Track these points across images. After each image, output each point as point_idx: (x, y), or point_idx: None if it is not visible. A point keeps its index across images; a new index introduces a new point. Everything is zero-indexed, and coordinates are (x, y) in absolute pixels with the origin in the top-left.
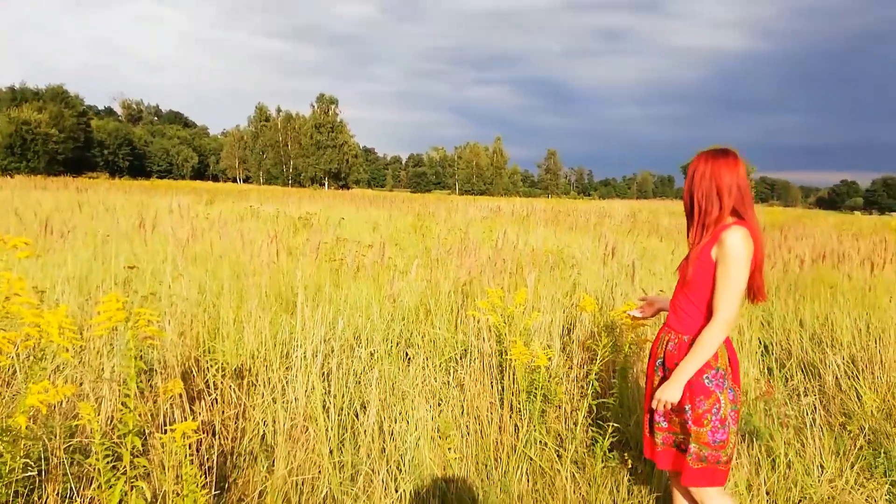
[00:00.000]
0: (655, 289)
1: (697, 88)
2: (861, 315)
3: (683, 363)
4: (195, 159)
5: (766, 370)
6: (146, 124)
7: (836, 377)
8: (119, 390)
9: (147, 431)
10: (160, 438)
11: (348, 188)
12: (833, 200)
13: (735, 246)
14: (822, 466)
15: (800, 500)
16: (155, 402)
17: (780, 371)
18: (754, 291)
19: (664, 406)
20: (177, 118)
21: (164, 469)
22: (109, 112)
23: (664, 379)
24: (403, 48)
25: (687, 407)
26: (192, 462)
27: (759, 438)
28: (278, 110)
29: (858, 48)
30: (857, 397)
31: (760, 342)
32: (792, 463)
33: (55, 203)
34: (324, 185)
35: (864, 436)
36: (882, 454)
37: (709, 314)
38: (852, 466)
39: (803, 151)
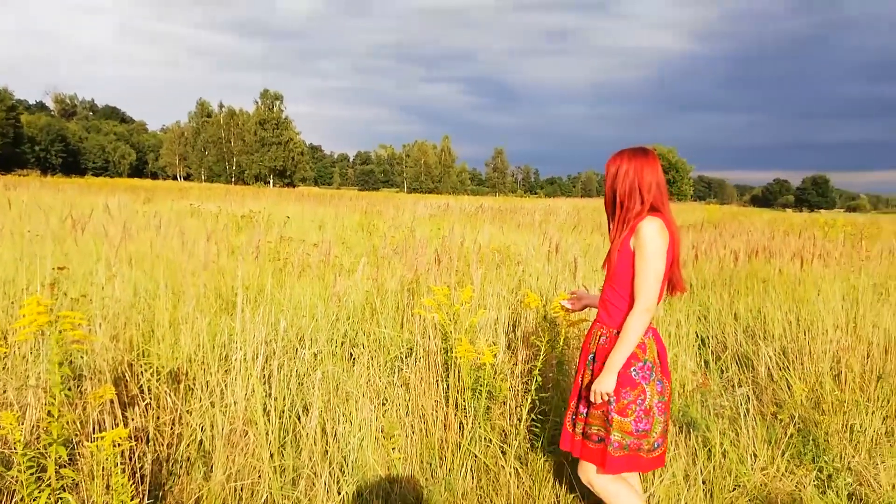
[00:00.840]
0: (598, 283)
1: (640, 89)
2: (791, 308)
3: (612, 353)
4: (133, 156)
5: (702, 363)
6: (81, 119)
7: (769, 368)
8: (45, 398)
9: (76, 440)
10: (89, 447)
11: (294, 186)
12: (766, 198)
13: (650, 234)
14: (755, 455)
15: (734, 489)
16: (84, 408)
17: (715, 363)
18: (673, 283)
19: (602, 397)
20: (113, 113)
21: (93, 479)
22: (41, 107)
23: (594, 374)
24: (350, 44)
25: (612, 398)
26: (123, 471)
27: (695, 429)
28: (220, 106)
29: (792, 51)
30: (788, 387)
31: (697, 336)
32: (727, 452)
33: None
34: (269, 182)
35: (795, 424)
36: (811, 441)
37: (631, 303)
38: (783, 454)
39: (739, 151)
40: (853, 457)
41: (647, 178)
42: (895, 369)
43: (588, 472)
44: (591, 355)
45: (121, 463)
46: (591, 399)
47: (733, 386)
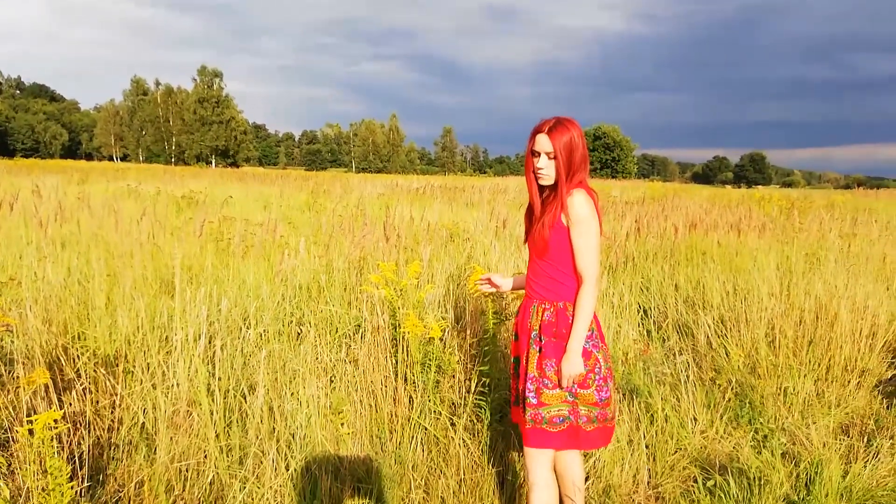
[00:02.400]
0: None
1: (583, 69)
2: (729, 278)
3: (573, 333)
4: (65, 136)
5: (645, 332)
6: (7, 98)
7: (708, 336)
8: None
9: (7, 425)
10: (21, 431)
11: (238, 166)
12: (707, 175)
13: (583, 206)
14: (695, 419)
15: (675, 451)
16: (17, 393)
17: (657, 332)
18: None
19: (575, 381)
20: (42, 91)
21: (27, 464)
22: None
23: (543, 350)
24: (290, 20)
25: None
26: (60, 455)
27: (638, 396)
28: (157, 84)
29: (729, 34)
30: (726, 354)
31: (640, 306)
32: (669, 417)
33: None
34: (211, 163)
35: (732, 388)
36: (747, 405)
37: (577, 278)
38: (721, 418)
39: (680, 130)
40: (787, 418)
41: (585, 148)
42: (825, 334)
43: (533, 458)
44: (535, 333)
45: (58, 448)
46: (564, 384)
47: (674, 354)
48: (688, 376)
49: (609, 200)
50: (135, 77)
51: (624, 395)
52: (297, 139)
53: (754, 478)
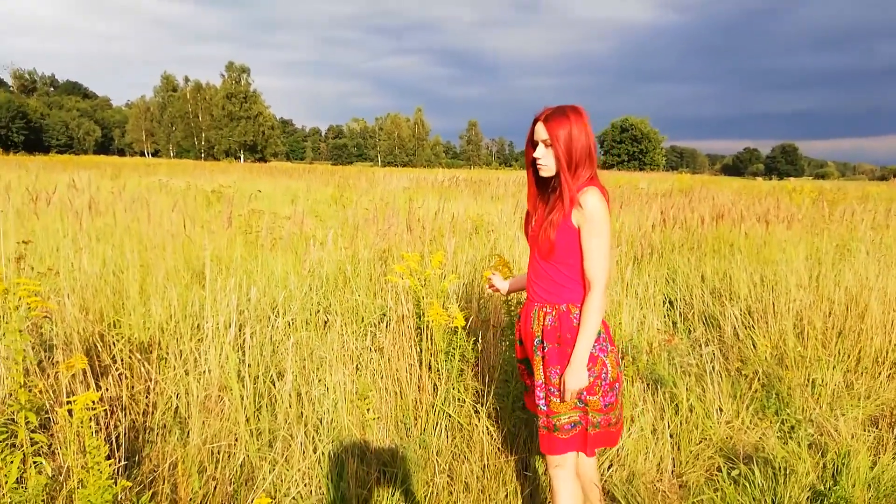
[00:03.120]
0: None
1: (607, 60)
2: (756, 269)
3: (578, 345)
4: (98, 133)
5: (670, 324)
6: (41, 95)
7: (734, 327)
8: (13, 370)
9: (49, 407)
10: (61, 412)
11: (266, 161)
12: (737, 167)
13: (598, 207)
14: (720, 409)
15: (700, 441)
16: (56, 378)
17: (683, 324)
18: None
19: (576, 395)
20: (75, 88)
21: (67, 443)
22: None
23: (546, 357)
24: (316, 14)
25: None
26: (97, 436)
27: (663, 386)
28: (186, 80)
29: (759, 21)
30: (753, 345)
31: (666, 297)
32: (693, 407)
33: None
34: (239, 158)
35: (759, 380)
36: (774, 396)
37: (583, 281)
38: (748, 408)
39: (710, 121)
40: (814, 409)
41: (593, 139)
42: (855, 326)
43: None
44: (538, 339)
45: (95, 429)
46: (566, 399)
47: (700, 345)
48: (714, 367)
49: (635, 192)
50: (164, 73)
51: (648, 385)
52: (323, 134)
53: (780, 468)
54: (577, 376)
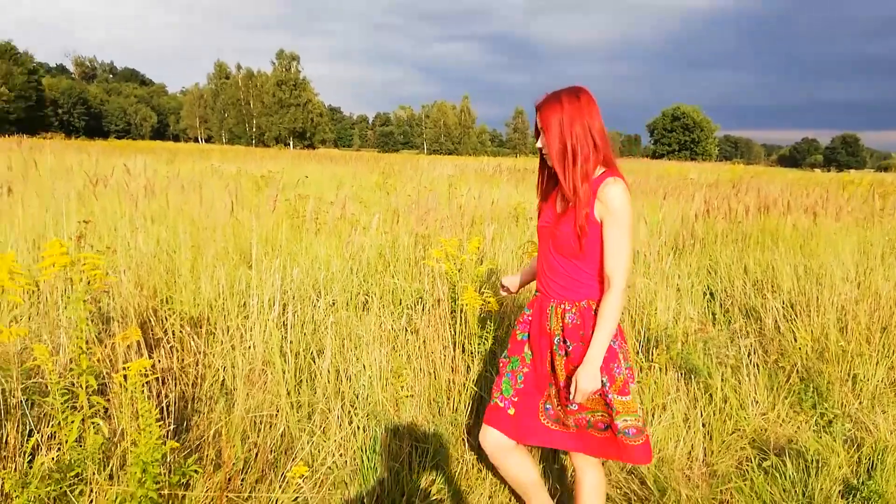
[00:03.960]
0: None
1: (658, 46)
2: (801, 262)
3: (595, 343)
4: (154, 119)
5: (710, 315)
6: (101, 82)
7: (776, 320)
8: (75, 339)
9: (105, 374)
10: (116, 378)
11: (314, 148)
12: (794, 158)
13: (622, 201)
14: (756, 401)
15: (734, 432)
16: (113, 348)
17: (724, 316)
18: None
19: (590, 396)
20: (133, 76)
21: (121, 407)
22: (62, 70)
23: (570, 355)
24: (363, 1)
25: (604, 379)
26: (149, 402)
27: (697, 375)
28: (238, 67)
29: (821, 5)
30: (794, 339)
31: (707, 288)
32: (728, 398)
33: (7, 162)
34: (289, 144)
35: (798, 373)
36: (812, 390)
37: (601, 277)
38: (784, 401)
39: (766, 110)
40: (853, 404)
41: (598, 123)
42: None
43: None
44: (557, 338)
45: (148, 396)
46: (579, 400)
47: (739, 337)
48: (751, 359)
49: (682, 182)
50: (218, 61)
51: (683, 374)
52: (370, 121)
53: (812, 460)
54: (592, 377)
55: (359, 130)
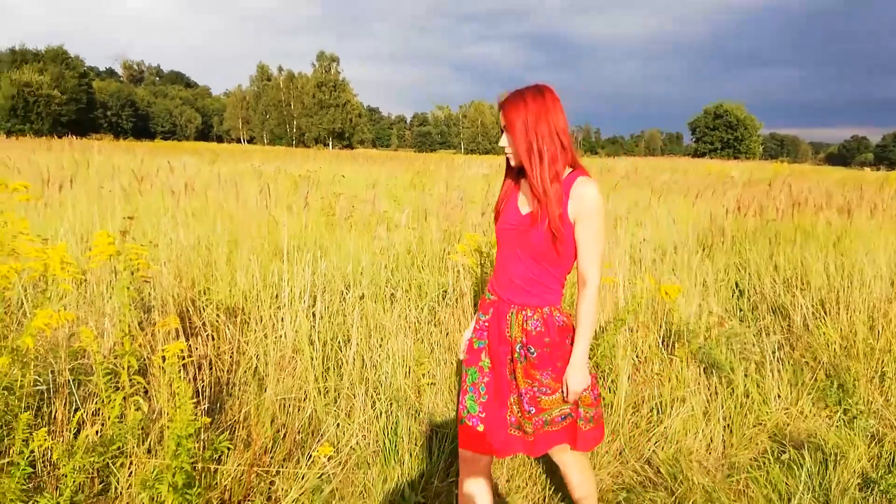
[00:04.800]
0: (638, 235)
1: (702, 43)
2: (832, 260)
3: (579, 345)
4: (198, 120)
5: (738, 311)
6: (148, 85)
7: (805, 318)
8: (119, 324)
9: (146, 358)
10: (155, 359)
11: (352, 148)
12: (843, 156)
13: (596, 200)
14: (779, 396)
15: (754, 426)
16: (153, 335)
17: (752, 313)
18: None
19: (579, 395)
20: (178, 78)
21: (159, 388)
22: (111, 73)
23: (534, 363)
24: (402, 2)
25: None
26: (185, 381)
27: (719, 370)
28: (280, 69)
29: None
30: (823, 336)
31: (736, 286)
32: (749, 392)
33: (59, 162)
34: (328, 145)
35: (825, 370)
36: (836, 386)
37: (563, 279)
38: (808, 396)
39: (814, 107)
40: (879, 401)
41: (562, 122)
42: None
43: (566, 454)
44: (519, 345)
45: (185, 379)
46: (571, 399)
47: (766, 334)
48: (776, 355)
49: (717, 180)
50: (260, 63)
51: (705, 368)
52: (408, 122)
53: (831, 453)
54: (580, 377)
55: (397, 130)
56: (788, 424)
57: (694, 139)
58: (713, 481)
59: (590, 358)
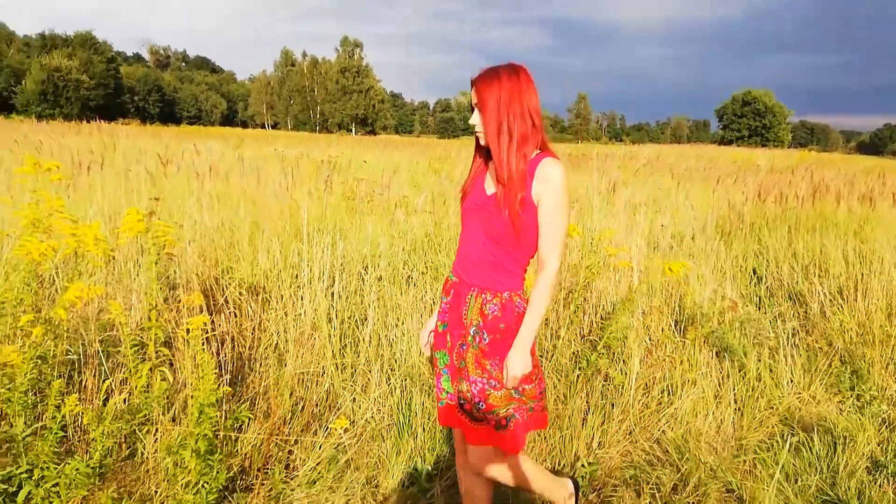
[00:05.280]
0: (657, 221)
1: (727, 27)
2: (853, 247)
3: (525, 329)
4: (223, 105)
5: (756, 298)
6: (174, 70)
7: (822, 305)
8: (146, 299)
9: (171, 331)
10: (180, 332)
11: (375, 134)
12: (875, 145)
13: (560, 181)
14: (792, 381)
15: (766, 410)
16: (178, 311)
17: (769, 300)
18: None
19: (519, 381)
20: (204, 63)
21: (184, 360)
22: (138, 58)
23: (485, 350)
24: None
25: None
26: (208, 352)
27: (732, 354)
28: (304, 55)
29: None
30: (840, 323)
31: (754, 272)
32: (762, 376)
33: (88, 146)
34: (351, 130)
35: (840, 356)
36: (850, 372)
37: (525, 264)
38: (821, 382)
39: (846, 94)
40: (893, 387)
41: (534, 104)
42: None
43: (488, 461)
44: (474, 328)
45: (208, 352)
46: (509, 385)
47: (783, 320)
48: (794, 342)
49: (740, 168)
50: (284, 49)
51: (717, 353)
52: (431, 108)
53: (840, 436)
54: (522, 361)
55: (420, 116)
56: (800, 409)
57: (721, 126)
58: (720, 460)
59: (598, 339)
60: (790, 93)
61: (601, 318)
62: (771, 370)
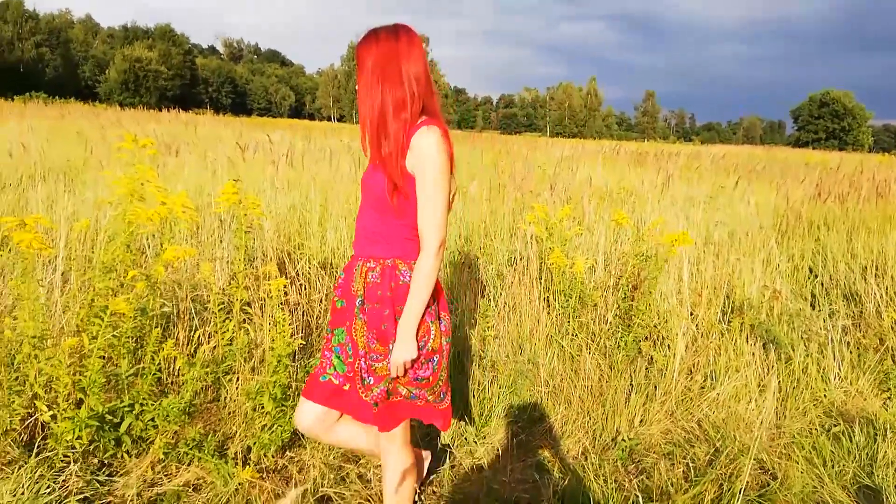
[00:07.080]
0: (714, 218)
1: (811, 25)
2: None
3: (407, 313)
4: (292, 98)
5: (810, 296)
6: (246, 63)
7: (877, 305)
8: (229, 267)
9: (251, 296)
10: (261, 293)
11: None
12: None
13: (433, 151)
14: (839, 376)
15: (809, 401)
16: (257, 279)
17: (825, 297)
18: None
19: (404, 368)
20: (275, 56)
21: (263, 320)
22: (212, 50)
23: (368, 322)
24: None
25: (391, 345)
26: (284, 311)
27: (778, 346)
28: None
29: None
30: (894, 322)
31: (810, 270)
32: (808, 369)
33: (169, 132)
34: None
35: (893, 356)
36: None
37: (414, 234)
38: (869, 377)
39: None
40: None
41: (418, 69)
42: None
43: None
44: (360, 300)
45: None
46: (394, 373)
47: (836, 318)
48: (846, 340)
49: (807, 168)
50: (351, 43)
51: (764, 345)
52: (494, 103)
53: (881, 428)
54: (404, 348)
55: (482, 112)
56: (846, 403)
57: (796, 128)
58: (756, 440)
59: (625, 321)
60: (876, 95)
61: (647, 305)
62: (818, 364)
